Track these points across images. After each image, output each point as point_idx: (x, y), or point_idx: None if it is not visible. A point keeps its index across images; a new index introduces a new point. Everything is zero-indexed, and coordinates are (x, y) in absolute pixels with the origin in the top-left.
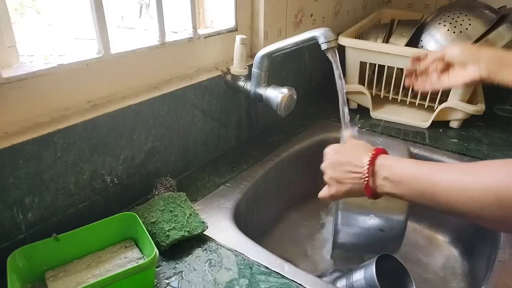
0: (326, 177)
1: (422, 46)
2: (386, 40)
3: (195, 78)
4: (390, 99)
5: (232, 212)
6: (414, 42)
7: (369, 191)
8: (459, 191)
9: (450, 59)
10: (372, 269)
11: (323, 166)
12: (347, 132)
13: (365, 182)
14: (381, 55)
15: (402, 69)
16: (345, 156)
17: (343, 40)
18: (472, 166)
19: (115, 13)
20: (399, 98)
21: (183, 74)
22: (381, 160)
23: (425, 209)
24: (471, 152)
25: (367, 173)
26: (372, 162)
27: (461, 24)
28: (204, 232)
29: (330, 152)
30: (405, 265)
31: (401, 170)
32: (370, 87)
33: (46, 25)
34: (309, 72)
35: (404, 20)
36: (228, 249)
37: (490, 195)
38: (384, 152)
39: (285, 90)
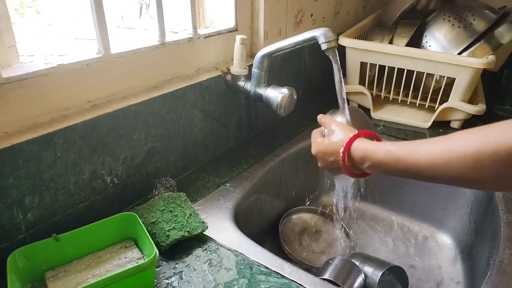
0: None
1: (426, 42)
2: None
3: (195, 78)
4: (390, 99)
5: (232, 212)
6: (416, 39)
7: (351, 175)
8: (440, 164)
9: None
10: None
11: (312, 152)
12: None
13: (346, 168)
14: (382, 56)
15: (402, 69)
16: (326, 147)
17: (344, 41)
18: (447, 137)
19: (115, 13)
20: (400, 98)
21: (183, 74)
22: (358, 145)
23: (426, 207)
24: None
25: (342, 160)
26: (346, 149)
27: (465, 19)
28: (204, 232)
29: (314, 140)
30: (405, 265)
31: (381, 155)
32: (370, 87)
33: (46, 25)
34: (309, 72)
35: (404, 20)
36: (228, 249)
37: (468, 159)
38: (366, 134)
39: (285, 90)
